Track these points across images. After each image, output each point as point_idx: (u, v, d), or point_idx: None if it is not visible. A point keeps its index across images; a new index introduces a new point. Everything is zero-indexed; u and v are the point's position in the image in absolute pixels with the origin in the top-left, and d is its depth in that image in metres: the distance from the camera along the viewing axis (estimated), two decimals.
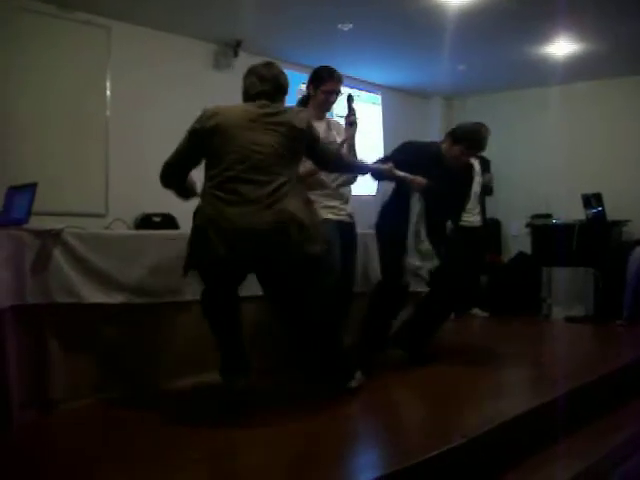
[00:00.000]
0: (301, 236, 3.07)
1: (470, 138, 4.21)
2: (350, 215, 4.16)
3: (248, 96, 3.34)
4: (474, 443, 2.74)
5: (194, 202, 6.05)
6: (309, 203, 3.31)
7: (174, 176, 3.34)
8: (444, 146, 4.26)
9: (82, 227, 3.52)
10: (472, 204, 5.65)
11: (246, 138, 3.09)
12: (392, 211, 4.32)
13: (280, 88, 3.34)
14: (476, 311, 6.84)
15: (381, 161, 4.17)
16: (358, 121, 4.04)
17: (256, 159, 3.07)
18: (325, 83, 3.99)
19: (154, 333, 3.60)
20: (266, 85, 3.30)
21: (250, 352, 3.36)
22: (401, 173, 3.98)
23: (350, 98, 4.08)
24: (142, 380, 3.51)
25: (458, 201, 4.47)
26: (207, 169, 3.20)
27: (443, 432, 2.94)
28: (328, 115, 4.20)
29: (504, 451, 2.92)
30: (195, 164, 3.31)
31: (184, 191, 3.41)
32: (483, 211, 6.36)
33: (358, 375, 3.48)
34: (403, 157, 4.13)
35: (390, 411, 3.39)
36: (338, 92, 4.05)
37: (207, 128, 3.15)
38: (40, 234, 3.19)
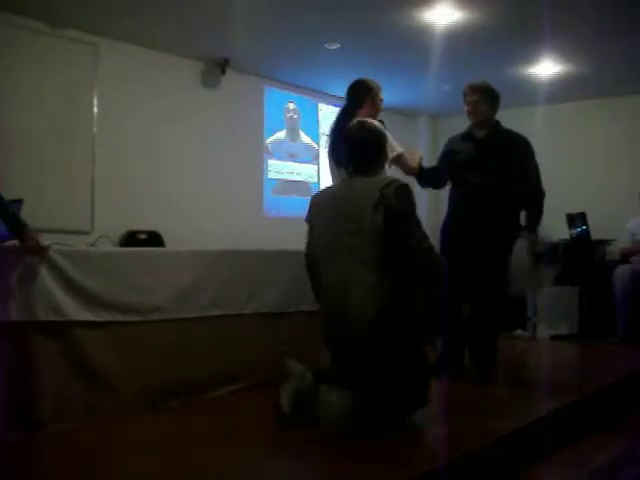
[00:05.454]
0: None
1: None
2: None
3: None
4: (459, 464, 2.73)
5: (179, 219, 6.12)
6: None
7: None
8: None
9: (67, 244, 3.50)
10: None
11: None
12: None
13: None
14: None
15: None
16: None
17: None
18: (378, 93, 4.32)
19: (144, 351, 3.55)
20: None
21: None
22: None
23: (382, 123, 4.19)
24: (132, 400, 3.45)
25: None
26: None
27: (426, 452, 2.93)
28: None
29: (490, 471, 2.92)
30: None
31: None
32: None
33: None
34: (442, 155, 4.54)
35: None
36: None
37: None
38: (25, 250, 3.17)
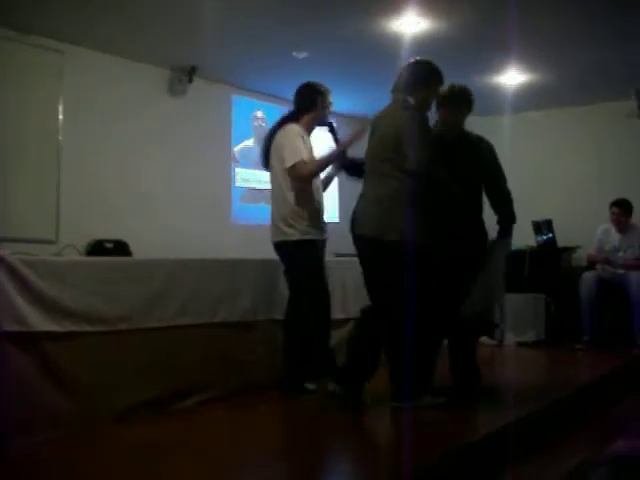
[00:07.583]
0: None
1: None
2: None
3: None
4: (427, 469, 2.73)
5: (146, 228, 6.07)
6: None
7: None
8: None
9: (32, 253, 3.44)
10: None
11: None
12: None
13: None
14: None
15: None
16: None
17: None
18: (328, 96, 4.28)
19: (113, 362, 3.50)
20: None
21: None
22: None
23: (332, 126, 4.27)
24: (100, 411, 3.39)
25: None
26: None
27: (392, 459, 2.92)
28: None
29: (459, 477, 2.92)
30: None
31: None
32: None
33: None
34: None
35: (348, 439, 3.37)
36: None
37: None
38: None
